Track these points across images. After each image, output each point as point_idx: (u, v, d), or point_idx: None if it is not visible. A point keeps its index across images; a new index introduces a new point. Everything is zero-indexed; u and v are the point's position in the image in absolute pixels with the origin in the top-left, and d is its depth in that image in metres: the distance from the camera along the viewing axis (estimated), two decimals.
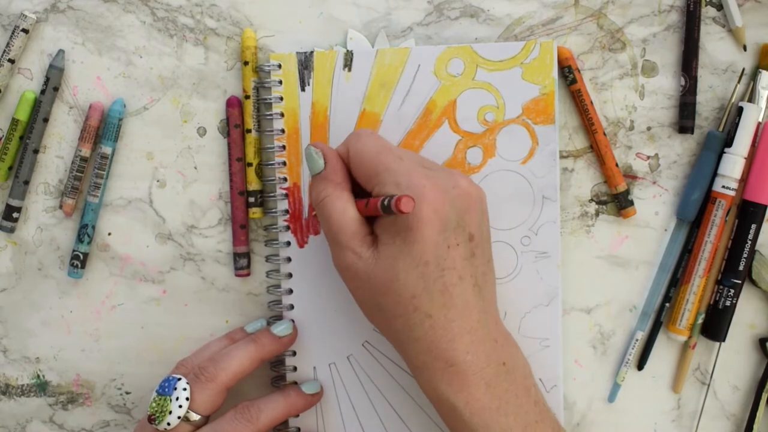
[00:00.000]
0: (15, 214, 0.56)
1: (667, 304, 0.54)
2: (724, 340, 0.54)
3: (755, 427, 0.54)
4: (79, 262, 0.56)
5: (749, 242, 0.53)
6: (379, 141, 0.48)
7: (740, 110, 0.53)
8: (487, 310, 0.46)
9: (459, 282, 0.45)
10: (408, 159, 0.47)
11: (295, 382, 0.54)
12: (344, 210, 0.47)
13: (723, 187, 0.53)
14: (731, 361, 0.55)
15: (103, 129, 0.56)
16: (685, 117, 0.54)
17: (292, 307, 0.54)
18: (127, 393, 0.57)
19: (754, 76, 0.53)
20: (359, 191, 0.48)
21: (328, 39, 0.55)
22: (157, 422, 0.48)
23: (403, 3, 0.55)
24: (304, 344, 0.54)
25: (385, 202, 0.43)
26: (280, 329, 0.53)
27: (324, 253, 0.54)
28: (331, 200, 0.47)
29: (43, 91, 0.55)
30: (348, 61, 0.53)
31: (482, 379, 0.45)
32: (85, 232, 0.56)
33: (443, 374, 0.45)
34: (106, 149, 0.55)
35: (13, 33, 0.55)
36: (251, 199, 0.55)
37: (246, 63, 0.54)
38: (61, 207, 0.56)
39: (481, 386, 0.45)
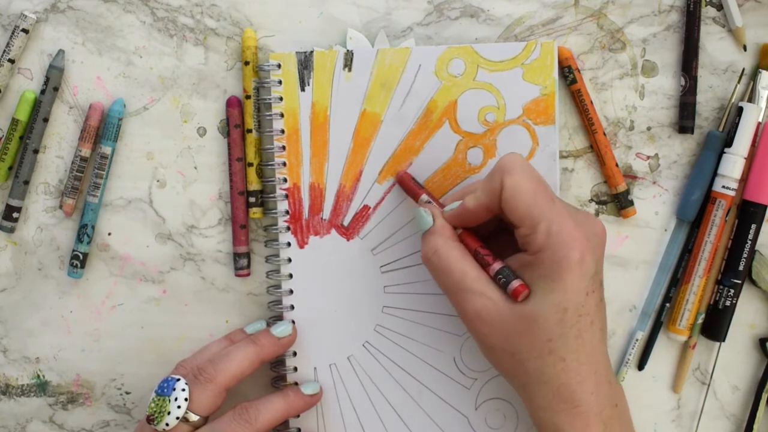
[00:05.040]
0: (15, 214, 0.56)
1: (667, 304, 0.54)
2: (724, 340, 0.54)
3: (755, 427, 0.54)
4: (78, 262, 0.56)
5: (749, 242, 0.53)
6: (535, 177, 0.46)
7: (740, 110, 0.53)
8: (606, 352, 0.47)
9: (590, 327, 0.45)
10: (557, 200, 0.46)
11: (296, 383, 0.54)
12: (462, 256, 0.47)
13: (723, 187, 0.53)
14: (731, 361, 0.55)
15: (103, 129, 0.56)
16: (685, 117, 0.54)
17: (292, 307, 0.54)
18: (127, 393, 0.57)
19: (754, 76, 0.53)
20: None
21: (328, 39, 0.55)
22: (155, 423, 0.48)
23: (403, 3, 0.55)
24: (305, 345, 0.54)
25: (502, 280, 0.46)
26: (280, 330, 0.53)
27: (324, 254, 0.54)
28: (446, 250, 0.47)
29: (43, 91, 0.55)
30: (348, 61, 0.53)
31: (601, 420, 0.45)
32: (84, 232, 0.56)
33: (567, 415, 0.45)
34: (106, 149, 0.55)
35: (13, 33, 0.55)
36: (251, 199, 0.55)
37: (247, 63, 0.54)
38: (61, 207, 0.56)
39: (600, 427, 0.45)
